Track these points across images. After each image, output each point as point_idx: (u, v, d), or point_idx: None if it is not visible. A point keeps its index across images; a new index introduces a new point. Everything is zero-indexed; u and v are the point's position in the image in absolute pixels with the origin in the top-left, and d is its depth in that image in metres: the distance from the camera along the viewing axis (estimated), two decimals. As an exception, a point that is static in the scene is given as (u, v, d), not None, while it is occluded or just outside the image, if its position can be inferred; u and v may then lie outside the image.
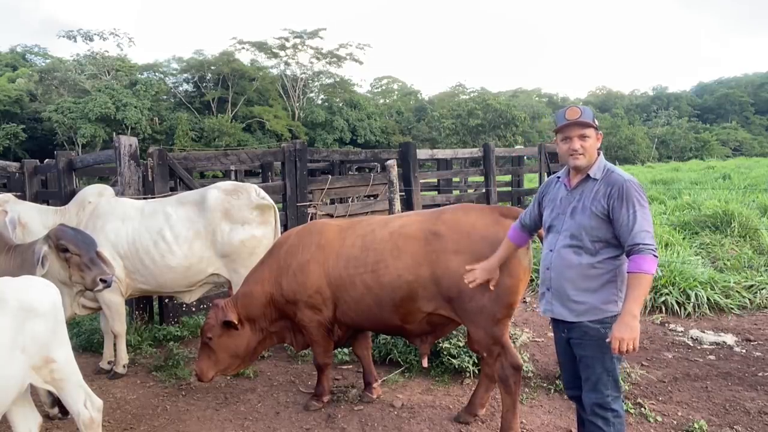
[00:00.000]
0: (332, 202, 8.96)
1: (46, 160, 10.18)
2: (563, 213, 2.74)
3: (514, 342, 4.39)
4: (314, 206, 7.31)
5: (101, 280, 3.54)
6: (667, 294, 5.93)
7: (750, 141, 57.60)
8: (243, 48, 45.96)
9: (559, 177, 2.88)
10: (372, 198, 9.06)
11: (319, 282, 3.66)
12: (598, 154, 2.72)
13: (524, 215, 3.09)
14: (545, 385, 4.17)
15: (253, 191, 4.88)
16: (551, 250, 2.78)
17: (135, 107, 35.71)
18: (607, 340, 2.51)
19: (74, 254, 3.52)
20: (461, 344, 4.31)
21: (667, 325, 5.55)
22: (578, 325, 2.68)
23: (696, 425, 3.50)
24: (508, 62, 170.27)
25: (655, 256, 2.47)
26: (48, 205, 6.51)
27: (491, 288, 3.14)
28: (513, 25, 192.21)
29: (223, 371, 3.97)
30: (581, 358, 2.72)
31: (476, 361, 4.21)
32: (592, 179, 2.67)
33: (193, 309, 5.92)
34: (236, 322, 3.80)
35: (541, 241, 3.23)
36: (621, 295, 2.60)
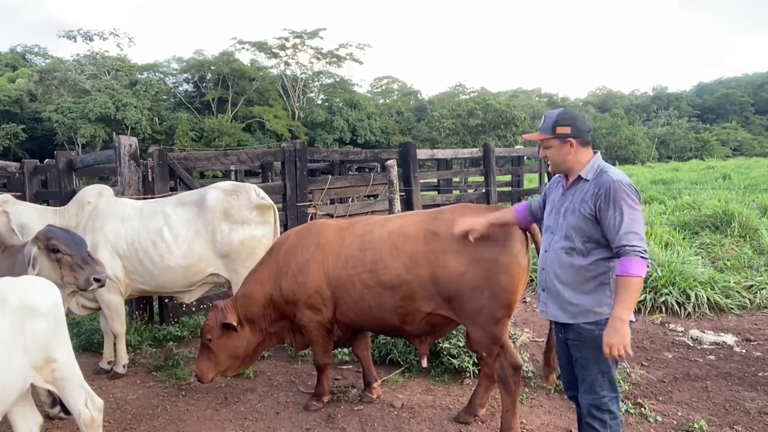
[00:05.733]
0: (332, 202, 8.97)
1: (46, 160, 10.19)
2: (558, 213, 2.76)
3: (514, 342, 4.39)
4: (314, 206, 7.31)
5: (95, 279, 3.46)
6: (667, 294, 5.93)
7: (750, 141, 57.59)
8: (243, 48, 45.98)
9: (560, 177, 2.89)
10: (372, 198, 9.06)
11: (319, 282, 3.66)
12: (594, 154, 2.71)
13: (533, 202, 3.15)
14: (545, 385, 4.16)
15: (253, 191, 4.88)
16: (546, 251, 2.80)
17: (135, 107, 35.70)
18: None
19: (65, 254, 3.45)
20: (461, 344, 4.31)
21: (667, 325, 5.55)
22: (574, 326, 2.68)
23: (696, 425, 3.50)
24: (508, 62, 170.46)
25: (642, 257, 2.43)
26: (48, 205, 6.52)
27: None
28: (513, 25, 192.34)
29: (223, 372, 3.97)
30: (577, 359, 2.72)
31: (476, 361, 4.21)
32: (584, 180, 2.67)
33: (193, 309, 5.92)
34: (235, 324, 3.80)
35: (536, 244, 3.25)
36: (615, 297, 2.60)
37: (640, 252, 2.43)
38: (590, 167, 2.67)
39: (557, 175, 2.94)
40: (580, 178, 2.69)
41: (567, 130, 2.66)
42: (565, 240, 2.68)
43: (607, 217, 2.52)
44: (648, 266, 2.51)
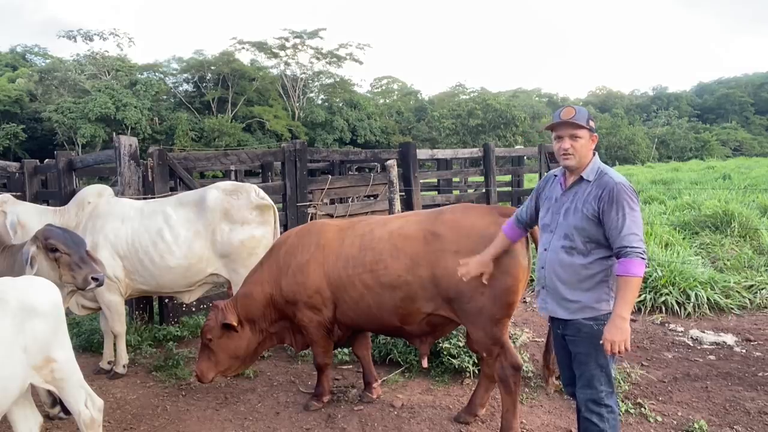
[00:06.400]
0: (332, 202, 8.96)
1: (46, 160, 10.19)
2: (557, 213, 2.78)
3: (514, 342, 4.39)
4: (314, 206, 7.31)
5: (93, 278, 3.46)
6: (667, 294, 5.93)
7: (750, 141, 57.55)
8: (243, 48, 45.96)
9: (556, 175, 2.90)
10: (372, 198, 9.06)
11: (319, 282, 3.66)
12: (594, 155, 2.74)
13: (520, 211, 3.11)
14: (545, 385, 4.16)
15: (253, 191, 4.88)
16: (546, 250, 2.82)
17: (135, 107, 35.71)
18: (601, 341, 2.55)
19: (64, 254, 3.44)
20: (461, 344, 4.31)
21: (667, 325, 5.55)
22: (572, 322, 2.72)
23: (696, 425, 3.50)
24: (508, 62, 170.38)
25: (642, 258, 2.50)
26: (48, 205, 6.52)
27: (484, 282, 3.11)
28: (513, 25, 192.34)
29: (224, 372, 3.97)
30: (575, 355, 2.75)
31: (476, 361, 4.21)
32: (585, 181, 2.70)
33: (193, 309, 5.92)
34: (236, 325, 3.80)
35: (535, 243, 3.24)
36: (613, 294, 2.64)
37: (639, 253, 2.50)
38: (591, 168, 2.71)
39: (552, 173, 2.95)
40: (581, 178, 2.71)
41: (593, 125, 2.73)
42: (565, 239, 2.71)
43: (610, 218, 2.56)
44: (646, 266, 2.58)
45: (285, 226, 6.41)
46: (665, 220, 9.43)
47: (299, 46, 46.90)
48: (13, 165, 9.06)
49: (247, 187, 4.95)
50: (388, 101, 59.64)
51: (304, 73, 48.42)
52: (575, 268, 2.68)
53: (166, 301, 5.79)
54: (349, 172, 13.36)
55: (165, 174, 5.79)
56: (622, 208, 2.54)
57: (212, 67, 43.24)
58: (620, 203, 2.55)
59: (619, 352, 2.50)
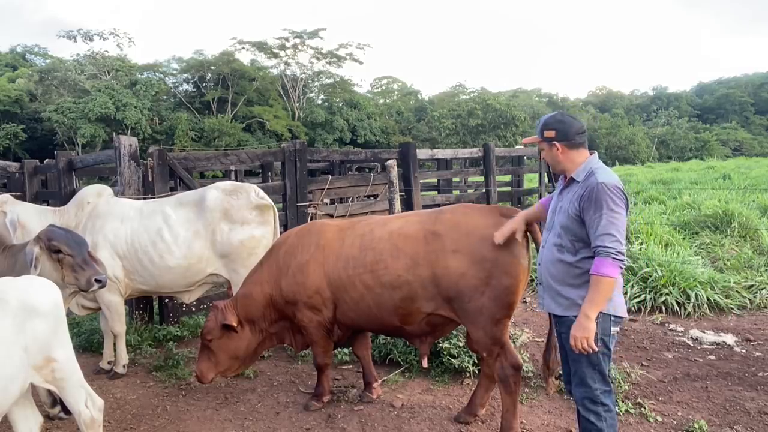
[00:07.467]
0: (332, 202, 8.96)
1: (46, 160, 10.18)
2: (554, 212, 2.86)
3: (514, 342, 4.39)
4: (314, 206, 7.31)
5: (96, 280, 3.46)
6: (667, 294, 5.93)
7: (750, 141, 57.57)
8: (243, 48, 46.01)
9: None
10: (372, 198, 9.06)
11: (319, 282, 3.66)
12: (590, 155, 2.78)
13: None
14: (545, 385, 4.16)
15: (253, 191, 4.88)
16: (543, 247, 2.91)
17: (135, 107, 35.74)
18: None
19: (67, 255, 3.44)
20: (461, 344, 4.31)
21: (667, 325, 5.55)
22: (565, 319, 2.76)
23: (696, 425, 3.50)
24: (508, 62, 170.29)
25: (615, 259, 2.50)
26: (48, 205, 6.52)
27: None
28: (513, 25, 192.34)
29: (223, 373, 3.97)
30: (568, 352, 2.79)
31: (476, 361, 4.21)
32: (575, 181, 2.74)
33: (193, 309, 5.92)
34: (235, 325, 3.80)
35: (536, 244, 3.25)
36: None
37: (613, 254, 2.51)
38: (582, 169, 2.74)
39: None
40: (572, 179, 2.76)
41: (552, 133, 2.76)
42: (557, 237, 2.78)
43: (589, 217, 2.61)
44: (622, 268, 2.57)
45: (285, 226, 6.41)
46: (665, 220, 9.42)
47: (299, 46, 46.95)
48: (13, 165, 9.06)
49: (247, 187, 4.95)
50: (388, 101, 59.64)
51: (304, 73, 48.45)
52: (564, 266, 2.74)
53: (166, 301, 5.79)
54: (349, 172, 13.36)
55: (165, 174, 5.79)
56: (600, 208, 2.56)
57: (212, 67, 43.27)
58: (599, 203, 2.56)
59: (583, 350, 2.56)
